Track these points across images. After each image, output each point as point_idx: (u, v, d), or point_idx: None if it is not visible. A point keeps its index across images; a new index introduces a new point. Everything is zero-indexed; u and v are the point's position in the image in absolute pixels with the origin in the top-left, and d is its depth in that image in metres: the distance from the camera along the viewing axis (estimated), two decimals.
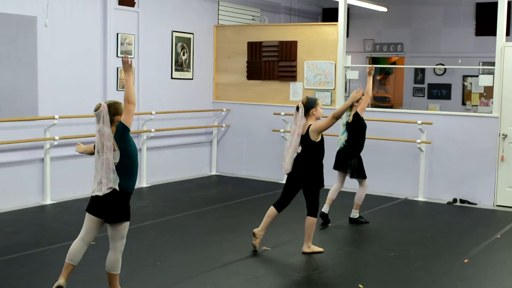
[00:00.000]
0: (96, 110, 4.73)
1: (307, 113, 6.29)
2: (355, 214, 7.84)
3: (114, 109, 4.73)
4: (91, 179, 4.86)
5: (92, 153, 4.99)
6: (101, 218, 4.75)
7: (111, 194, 4.69)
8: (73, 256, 4.80)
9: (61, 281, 4.75)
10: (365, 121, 7.69)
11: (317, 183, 6.33)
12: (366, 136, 7.74)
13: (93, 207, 4.78)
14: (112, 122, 4.71)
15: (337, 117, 6.18)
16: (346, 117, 7.64)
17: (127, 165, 4.74)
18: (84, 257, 4.88)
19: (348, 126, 7.60)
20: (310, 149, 6.27)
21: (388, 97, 14.06)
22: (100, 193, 4.70)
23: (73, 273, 4.85)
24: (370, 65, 7.65)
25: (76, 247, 4.81)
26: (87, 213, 4.82)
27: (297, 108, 6.28)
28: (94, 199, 4.77)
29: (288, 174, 6.41)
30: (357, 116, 7.56)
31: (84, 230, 4.82)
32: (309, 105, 6.29)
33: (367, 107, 8.43)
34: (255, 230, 6.48)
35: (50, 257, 6.05)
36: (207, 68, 11.27)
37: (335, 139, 7.90)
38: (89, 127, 8.78)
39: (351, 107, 7.62)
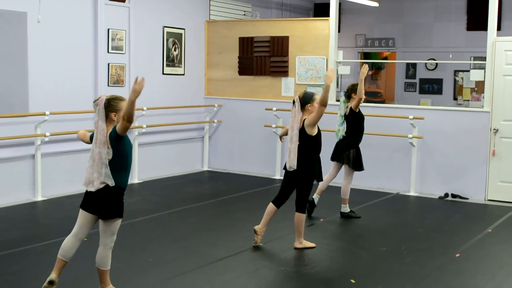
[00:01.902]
0: (95, 101, 4.69)
1: (303, 107, 6.24)
2: (345, 209, 7.85)
3: (111, 106, 4.65)
4: (82, 175, 4.82)
5: (87, 142, 4.95)
6: (95, 214, 4.71)
7: (105, 190, 4.65)
8: (65, 252, 4.78)
9: (53, 275, 4.73)
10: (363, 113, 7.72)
11: (311, 177, 6.31)
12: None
13: (86, 204, 4.73)
14: (107, 117, 4.65)
15: (323, 104, 6.05)
16: (344, 109, 7.66)
17: (120, 162, 4.69)
18: (76, 252, 4.85)
19: (346, 117, 7.63)
20: (307, 142, 6.24)
21: (379, 92, 14.07)
22: (93, 189, 4.66)
23: (64, 268, 4.83)
24: (364, 65, 7.42)
25: (69, 243, 4.78)
26: (80, 209, 4.78)
27: (293, 102, 6.27)
28: (87, 195, 4.73)
29: (285, 169, 6.40)
30: (352, 110, 7.58)
31: (77, 227, 4.79)
32: (305, 100, 6.24)
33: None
34: (256, 227, 6.46)
35: (41, 254, 6.03)
36: (199, 64, 11.24)
37: (333, 135, 7.89)
38: (80, 123, 8.74)
39: (348, 99, 7.64)
